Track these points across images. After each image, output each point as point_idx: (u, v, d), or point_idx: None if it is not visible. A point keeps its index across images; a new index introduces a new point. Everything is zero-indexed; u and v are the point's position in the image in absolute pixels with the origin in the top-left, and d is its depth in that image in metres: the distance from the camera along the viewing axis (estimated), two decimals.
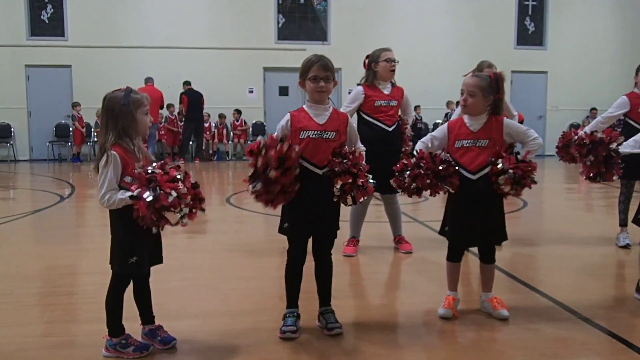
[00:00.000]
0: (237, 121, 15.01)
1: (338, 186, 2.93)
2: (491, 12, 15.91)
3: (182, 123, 14.28)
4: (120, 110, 2.66)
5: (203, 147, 14.51)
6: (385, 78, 4.63)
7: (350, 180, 2.93)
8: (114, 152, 2.62)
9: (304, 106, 3.09)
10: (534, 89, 16.40)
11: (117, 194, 2.59)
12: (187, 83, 13.98)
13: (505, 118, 3.28)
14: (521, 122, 4.98)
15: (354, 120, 3.40)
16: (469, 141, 3.23)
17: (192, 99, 13.83)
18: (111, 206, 2.61)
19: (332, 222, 3.10)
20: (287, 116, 3.05)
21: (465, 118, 3.31)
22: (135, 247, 2.71)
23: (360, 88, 4.64)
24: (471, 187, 3.21)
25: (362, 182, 2.95)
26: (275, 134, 2.98)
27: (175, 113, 14.51)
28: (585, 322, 3.26)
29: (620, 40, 16.57)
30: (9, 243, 5.39)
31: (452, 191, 3.21)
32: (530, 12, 16.37)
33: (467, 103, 3.24)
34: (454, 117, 4.67)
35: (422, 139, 3.38)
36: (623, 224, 5.06)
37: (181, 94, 13.89)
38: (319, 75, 2.99)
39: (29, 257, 4.86)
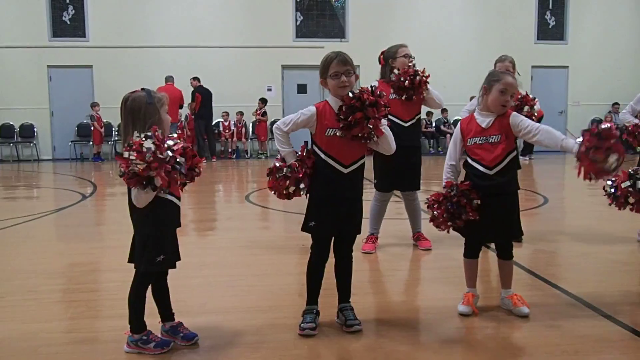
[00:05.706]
0: (260, 109, 14.77)
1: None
2: (511, 6, 15.75)
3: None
4: (147, 110, 2.66)
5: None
6: None
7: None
8: None
9: (329, 100, 3.03)
10: (555, 83, 16.21)
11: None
12: (196, 79, 13.80)
13: (512, 112, 3.21)
14: (541, 118, 4.90)
15: None
16: (481, 138, 3.20)
17: (205, 96, 13.73)
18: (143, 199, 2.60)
19: (357, 220, 3.09)
20: (313, 109, 3.00)
21: (476, 114, 3.27)
22: (163, 246, 2.74)
23: (375, 83, 4.60)
24: (488, 182, 3.18)
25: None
26: (299, 117, 3.05)
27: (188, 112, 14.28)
28: (607, 319, 3.22)
29: None
30: (32, 241, 5.47)
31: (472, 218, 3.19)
32: (550, 6, 16.17)
33: (507, 105, 3.19)
34: (462, 112, 4.61)
35: (447, 161, 3.33)
36: None
37: (194, 91, 13.70)
38: (340, 70, 2.94)
39: (52, 254, 4.94)
